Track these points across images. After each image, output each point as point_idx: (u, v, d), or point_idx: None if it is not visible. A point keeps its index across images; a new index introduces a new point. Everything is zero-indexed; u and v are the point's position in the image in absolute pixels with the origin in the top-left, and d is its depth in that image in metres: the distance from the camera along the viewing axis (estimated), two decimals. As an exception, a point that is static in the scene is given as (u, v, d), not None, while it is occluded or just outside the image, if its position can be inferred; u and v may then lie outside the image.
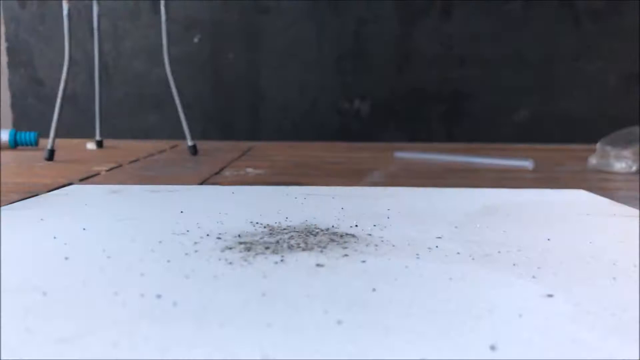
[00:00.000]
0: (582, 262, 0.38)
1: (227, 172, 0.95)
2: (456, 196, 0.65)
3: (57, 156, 1.11)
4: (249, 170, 0.99)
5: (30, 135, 1.30)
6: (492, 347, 0.25)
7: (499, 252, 0.41)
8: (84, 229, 0.47)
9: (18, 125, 1.65)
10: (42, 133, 1.38)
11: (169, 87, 1.21)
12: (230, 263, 0.37)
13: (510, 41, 1.61)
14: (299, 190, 0.69)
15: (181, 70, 1.60)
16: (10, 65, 1.65)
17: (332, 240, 0.44)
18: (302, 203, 0.60)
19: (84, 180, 0.85)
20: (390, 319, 0.28)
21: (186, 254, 0.39)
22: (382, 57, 1.63)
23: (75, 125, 1.64)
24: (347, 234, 0.46)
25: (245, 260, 0.38)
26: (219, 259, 0.38)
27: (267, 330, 0.26)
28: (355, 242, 0.43)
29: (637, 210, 0.58)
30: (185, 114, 1.22)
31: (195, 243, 0.42)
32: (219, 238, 0.44)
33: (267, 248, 0.41)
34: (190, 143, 1.22)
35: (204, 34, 1.64)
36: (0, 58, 1.64)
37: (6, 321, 0.27)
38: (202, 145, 1.37)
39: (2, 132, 1.30)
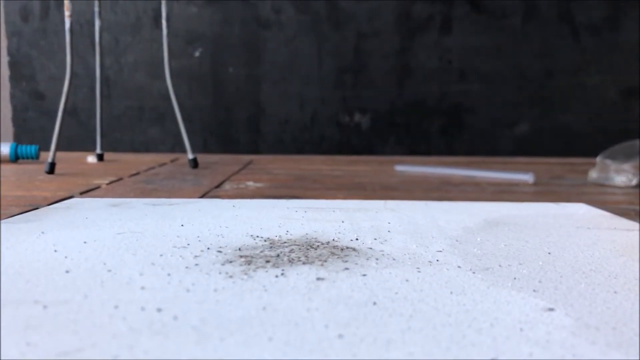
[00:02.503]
0: (583, 276, 0.38)
1: (227, 186, 0.96)
2: (456, 210, 0.65)
3: (57, 169, 1.11)
4: (250, 183, 0.99)
5: (31, 149, 1.30)
6: (493, 361, 0.25)
7: (500, 265, 0.41)
8: (84, 242, 0.47)
9: (19, 138, 1.66)
10: (43, 146, 1.39)
11: (169, 100, 1.22)
12: (231, 277, 0.37)
13: (509, 55, 1.62)
14: (299, 203, 0.69)
15: (182, 83, 1.61)
16: (12, 78, 1.66)
17: (333, 253, 0.44)
18: (302, 216, 0.60)
19: (84, 193, 0.85)
20: (391, 333, 0.28)
21: (187, 267, 0.39)
22: (382, 71, 1.64)
23: (76, 139, 1.64)
24: (347, 248, 0.46)
25: (246, 273, 0.38)
26: (220, 273, 0.38)
27: (268, 344, 0.26)
28: (355, 255, 0.43)
29: (637, 224, 0.58)
30: (186, 128, 1.22)
31: (196, 256, 0.42)
32: (219, 251, 0.44)
33: (267, 262, 0.41)
34: (190, 156, 1.23)
35: (205, 47, 1.65)
36: (1, 72, 1.65)
37: (6, 334, 0.27)
38: (202, 158, 1.37)
39: (3, 145, 1.30)
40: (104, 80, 1.62)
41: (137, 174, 1.12)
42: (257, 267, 0.39)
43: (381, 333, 0.28)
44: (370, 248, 0.46)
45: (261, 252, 0.44)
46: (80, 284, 0.35)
